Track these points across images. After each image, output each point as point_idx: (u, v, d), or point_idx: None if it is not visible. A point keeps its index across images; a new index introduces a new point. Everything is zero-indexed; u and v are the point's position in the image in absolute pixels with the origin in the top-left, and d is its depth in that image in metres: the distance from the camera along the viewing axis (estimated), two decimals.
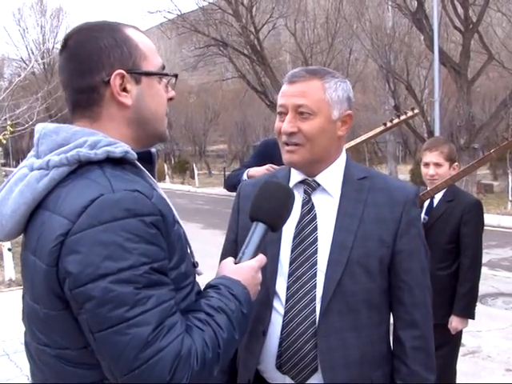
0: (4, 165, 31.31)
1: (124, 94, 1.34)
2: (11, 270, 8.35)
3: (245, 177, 3.53)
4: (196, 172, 29.27)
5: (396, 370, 1.78)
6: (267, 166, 3.01)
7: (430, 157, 3.30)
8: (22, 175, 1.30)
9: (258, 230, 1.49)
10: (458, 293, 3.27)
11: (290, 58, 29.58)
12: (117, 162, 1.28)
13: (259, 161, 3.60)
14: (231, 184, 3.68)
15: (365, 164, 25.60)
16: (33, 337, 1.35)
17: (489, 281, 8.25)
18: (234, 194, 2.06)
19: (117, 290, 1.14)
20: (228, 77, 31.82)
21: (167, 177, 31.79)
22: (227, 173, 28.14)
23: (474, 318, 3.33)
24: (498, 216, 15.05)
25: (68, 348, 1.25)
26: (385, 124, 3.51)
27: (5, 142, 9.38)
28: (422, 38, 20.69)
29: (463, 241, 3.27)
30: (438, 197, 3.34)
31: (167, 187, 25.99)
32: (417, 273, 1.78)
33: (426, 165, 3.33)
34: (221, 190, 17.32)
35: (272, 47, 28.89)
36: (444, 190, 3.29)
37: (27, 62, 39.89)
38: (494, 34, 28.46)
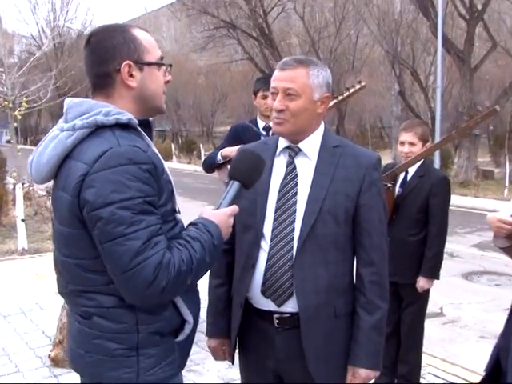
0: (9, 141, 31.66)
1: (131, 78, 1.79)
2: (24, 240, 8.80)
3: (219, 157, 3.96)
4: (203, 152, 29.38)
5: (356, 299, 2.20)
6: (239, 147, 3.37)
7: (405, 136, 3.71)
8: (55, 135, 1.77)
9: (233, 186, 1.92)
10: (426, 256, 3.68)
11: (298, 41, 29.74)
12: (123, 127, 1.73)
13: (230, 144, 4.04)
14: (207, 165, 4.13)
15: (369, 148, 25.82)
16: (59, 252, 1.80)
17: (477, 260, 8.67)
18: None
19: (119, 214, 1.58)
20: (236, 59, 31.98)
21: (174, 156, 32.03)
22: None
23: (438, 279, 3.74)
24: (495, 201, 15.40)
25: (85, 258, 1.71)
26: (336, 97, 3.91)
27: (20, 117, 9.82)
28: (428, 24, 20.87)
29: (431, 211, 3.67)
30: (411, 172, 3.74)
31: (174, 167, 26.29)
32: (375, 222, 2.19)
33: (402, 143, 3.73)
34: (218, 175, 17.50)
35: (280, 30, 28.98)
36: (417, 166, 3.69)
37: (37, 40, 40.10)
38: (502, 23, 28.55)
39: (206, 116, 42.66)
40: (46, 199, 11.65)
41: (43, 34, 44.44)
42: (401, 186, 3.73)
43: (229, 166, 4.12)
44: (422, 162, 3.70)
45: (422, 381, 4.08)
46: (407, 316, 3.82)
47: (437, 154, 17.56)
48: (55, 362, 4.30)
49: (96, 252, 1.66)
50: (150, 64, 1.82)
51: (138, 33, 1.82)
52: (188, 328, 1.81)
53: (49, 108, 20.99)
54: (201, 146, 31.31)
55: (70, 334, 1.87)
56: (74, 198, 1.65)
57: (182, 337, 1.81)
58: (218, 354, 2.42)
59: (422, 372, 4.15)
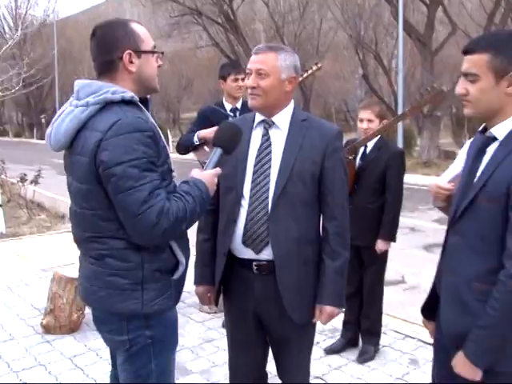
0: None
1: (131, 64, 2.16)
2: (2, 225, 9.04)
3: (196, 139, 4.32)
4: (170, 139, 29.48)
5: (322, 249, 2.59)
6: (214, 128, 3.66)
7: (363, 114, 4.11)
8: (70, 111, 2.13)
9: (216, 152, 2.33)
10: (383, 221, 4.09)
11: (262, 26, 30.01)
12: (127, 103, 2.10)
13: (200, 127, 4.42)
14: (183, 147, 4.48)
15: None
16: (76, 206, 2.17)
17: (437, 234, 9.14)
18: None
19: (129, 171, 1.95)
20: (202, 45, 32.09)
21: None
22: None
23: (395, 241, 4.17)
24: None
25: (100, 209, 2.08)
26: (301, 75, 4.34)
27: None
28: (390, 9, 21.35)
29: (388, 181, 4.08)
30: (370, 146, 4.14)
31: None
32: (338, 184, 2.59)
33: (361, 120, 4.13)
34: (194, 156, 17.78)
35: (245, 16, 29.22)
36: (375, 141, 4.10)
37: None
38: (462, 7, 29.15)
39: (172, 102, 42.66)
40: (19, 186, 11.81)
41: (4, 22, 43.77)
42: (361, 159, 4.14)
43: (205, 147, 4.46)
44: (379, 137, 4.11)
45: (383, 336, 4.52)
46: (368, 276, 4.25)
47: (400, 134, 18.14)
48: (47, 329, 4.63)
49: (109, 203, 2.03)
50: (146, 52, 2.19)
51: (135, 26, 2.19)
52: (181, 268, 2.20)
53: (14, 97, 20.92)
54: (168, 132, 31.37)
55: (83, 275, 2.24)
56: (91, 160, 2.02)
57: (176, 275, 2.20)
58: (204, 300, 2.81)
59: (384, 329, 4.61)
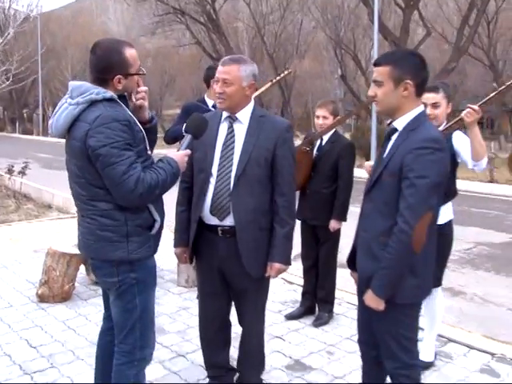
0: None
1: (119, 84, 2.79)
2: None
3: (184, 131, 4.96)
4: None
5: (274, 218, 3.22)
6: None
7: (319, 112, 4.76)
8: (65, 107, 2.74)
9: (187, 138, 2.97)
10: (335, 204, 4.72)
11: (244, 26, 30.60)
12: (108, 100, 2.71)
13: (185, 120, 5.04)
14: (172, 138, 5.07)
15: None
16: (73, 177, 2.77)
17: None
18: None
19: (111, 151, 2.55)
20: (185, 43, 32.59)
21: None
22: None
23: (346, 221, 4.80)
24: None
25: (93, 179, 2.67)
26: (271, 80, 4.98)
27: None
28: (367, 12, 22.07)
29: (340, 169, 4.71)
30: (325, 139, 4.78)
31: None
32: (286, 167, 3.21)
33: (317, 117, 4.77)
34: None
35: (227, 16, 29.82)
36: (330, 135, 4.75)
37: None
38: (439, 11, 29.99)
39: (154, 99, 42.96)
40: (6, 178, 12.29)
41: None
42: (317, 150, 4.79)
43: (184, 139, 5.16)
44: (334, 131, 4.77)
45: (338, 306, 5.18)
46: (323, 251, 4.90)
47: (374, 134, 18.85)
48: (42, 298, 5.23)
49: (98, 175, 2.66)
50: (132, 75, 2.82)
51: (128, 53, 2.79)
52: (157, 225, 2.83)
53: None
54: None
55: (81, 233, 2.86)
56: (82, 144, 2.64)
57: (154, 231, 2.82)
58: (181, 259, 3.45)
59: (340, 301, 5.27)
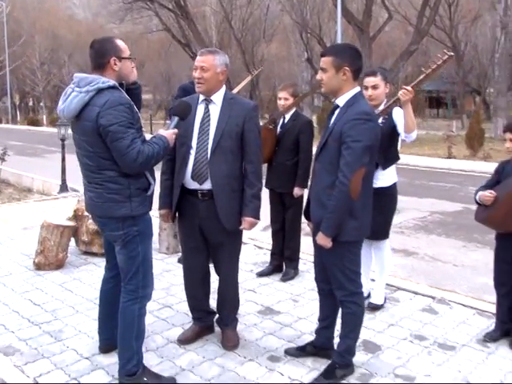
0: None
1: (115, 65, 3.42)
2: None
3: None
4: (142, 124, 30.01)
5: (244, 182, 3.87)
6: None
7: (281, 94, 5.42)
8: (76, 95, 3.33)
9: (175, 119, 3.62)
10: (298, 173, 5.36)
11: (212, 12, 31.01)
12: (112, 88, 3.34)
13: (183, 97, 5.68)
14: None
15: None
16: (82, 151, 3.39)
17: None
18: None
19: (118, 128, 3.18)
20: (153, 29, 32.88)
21: None
22: (154, 121, 29.43)
23: (307, 187, 5.48)
24: None
25: (102, 152, 3.30)
26: (251, 73, 5.69)
27: None
28: None
29: (300, 144, 5.38)
30: (287, 118, 5.43)
31: None
32: (254, 139, 3.87)
33: (279, 99, 5.44)
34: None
35: (195, 2, 30.21)
36: (291, 114, 5.42)
37: None
38: None
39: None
40: None
41: None
42: (280, 127, 5.46)
43: (171, 121, 5.80)
44: (294, 110, 5.45)
45: (304, 265, 5.88)
46: (289, 215, 5.60)
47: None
48: (38, 266, 5.84)
49: (107, 148, 3.28)
50: (124, 58, 3.45)
51: (118, 41, 3.44)
52: (152, 187, 3.48)
53: None
54: None
55: (89, 197, 3.49)
56: (94, 123, 3.26)
57: (149, 192, 3.48)
58: (164, 219, 4.10)
59: (305, 261, 5.97)
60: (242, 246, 4.28)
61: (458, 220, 9.03)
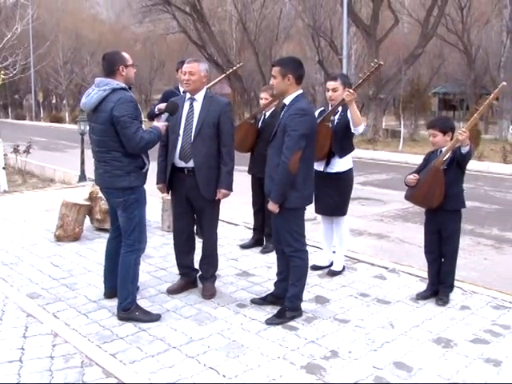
0: None
1: (122, 71, 4.48)
2: (5, 184, 11.18)
3: (156, 110, 6.43)
4: (143, 119, 31.24)
5: (220, 161, 4.88)
6: (164, 104, 5.69)
7: (262, 94, 6.39)
8: (96, 92, 4.39)
9: (165, 114, 4.71)
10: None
11: (226, 15, 32.04)
12: (123, 89, 4.41)
13: (163, 102, 6.72)
14: (149, 116, 6.71)
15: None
16: (97, 136, 4.45)
17: (357, 192, 11.52)
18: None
19: (127, 119, 4.27)
20: (172, 31, 33.92)
21: None
22: None
23: None
24: (388, 153, 18.61)
25: (112, 136, 4.35)
26: (225, 72, 6.76)
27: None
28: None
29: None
30: (267, 114, 6.39)
31: None
32: (227, 128, 4.90)
33: (261, 98, 6.42)
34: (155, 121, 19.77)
35: (211, 5, 31.26)
36: (271, 111, 6.38)
37: None
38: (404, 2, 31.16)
39: (144, 84, 43.89)
40: (12, 157, 13.79)
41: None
42: (261, 123, 6.46)
43: (162, 116, 6.87)
44: (273, 108, 6.44)
45: None
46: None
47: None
48: (58, 238, 6.92)
49: (116, 134, 4.32)
50: (128, 65, 4.50)
51: (123, 54, 4.50)
52: (146, 166, 4.52)
53: None
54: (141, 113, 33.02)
55: (98, 173, 4.54)
56: (109, 114, 4.30)
57: (144, 170, 4.52)
58: (161, 191, 5.16)
59: None
60: (234, 227, 5.36)
61: None
